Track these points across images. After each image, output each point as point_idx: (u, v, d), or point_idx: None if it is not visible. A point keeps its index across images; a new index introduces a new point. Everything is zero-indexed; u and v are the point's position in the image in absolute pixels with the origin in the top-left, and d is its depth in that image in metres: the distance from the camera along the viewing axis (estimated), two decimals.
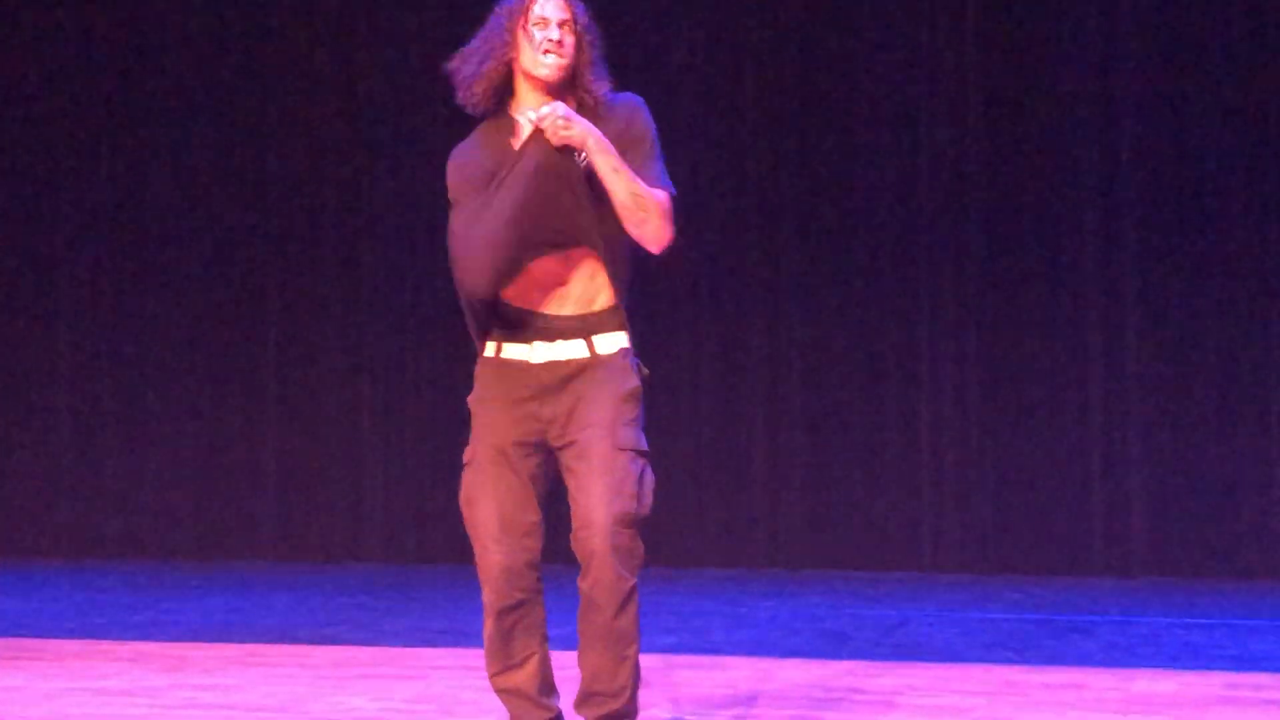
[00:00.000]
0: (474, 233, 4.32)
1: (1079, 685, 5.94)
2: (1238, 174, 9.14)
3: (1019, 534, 9.31)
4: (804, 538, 9.55)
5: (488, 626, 4.41)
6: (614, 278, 4.35)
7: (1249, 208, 9.14)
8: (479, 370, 4.48)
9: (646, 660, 6.23)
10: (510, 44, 4.38)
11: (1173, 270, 9.20)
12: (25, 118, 10.54)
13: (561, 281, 4.35)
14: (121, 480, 10.35)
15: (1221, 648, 6.86)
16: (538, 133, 4.18)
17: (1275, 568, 9.00)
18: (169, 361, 10.34)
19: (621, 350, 4.39)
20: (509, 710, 4.48)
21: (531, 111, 4.24)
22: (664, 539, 9.57)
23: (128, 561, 10.12)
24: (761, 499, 9.60)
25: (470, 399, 4.48)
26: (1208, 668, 6.36)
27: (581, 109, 4.37)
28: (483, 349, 4.45)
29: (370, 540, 10.06)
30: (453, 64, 4.45)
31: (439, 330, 9.71)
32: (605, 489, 4.27)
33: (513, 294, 4.38)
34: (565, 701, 4.38)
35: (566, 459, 4.37)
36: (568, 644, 4.46)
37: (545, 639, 4.48)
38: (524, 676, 4.44)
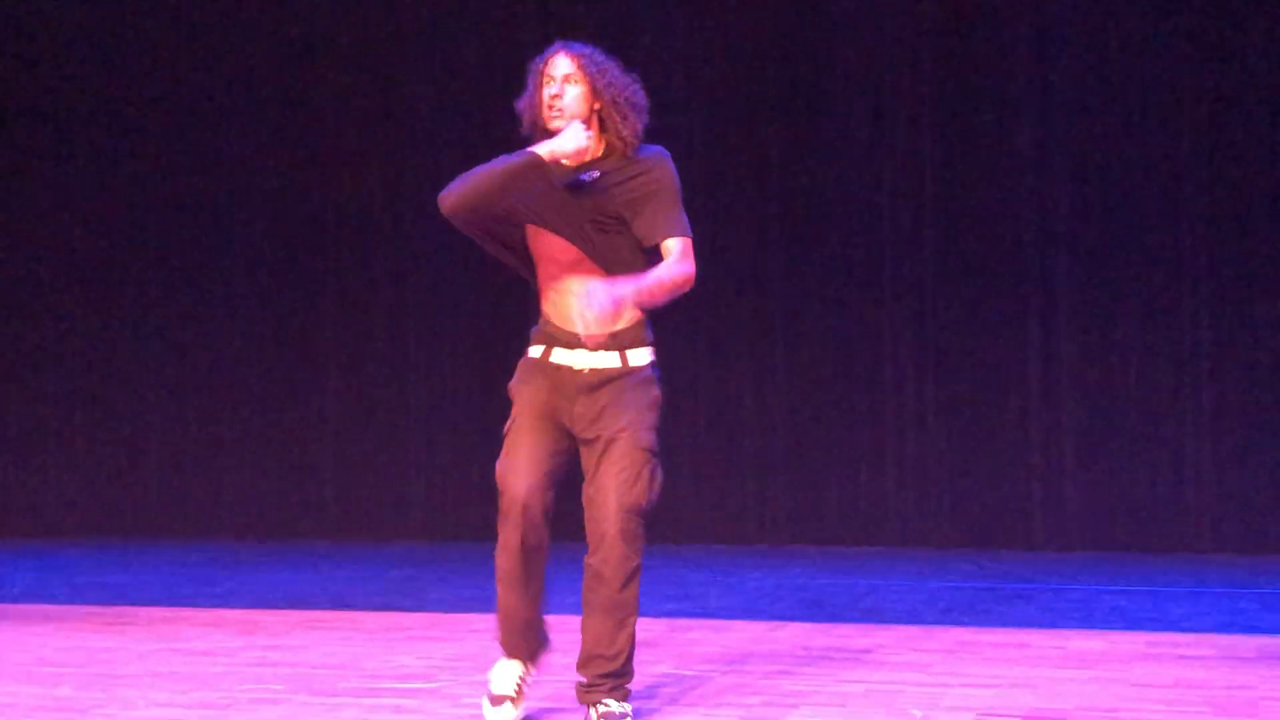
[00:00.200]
0: (477, 172, 4.30)
1: (1022, 644, 5.94)
2: (1154, 194, 9.12)
3: (970, 514, 9.31)
4: (787, 518, 9.56)
5: (502, 563, 4.40)
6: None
7: (1162, 224, 9.12)
8: (524, 364, 4.49)
9: (653, 624, 6.26)
10: (536, 103, 4.39)
11: (1100, 281, 9.19)
12: (111, 138, 10.53)
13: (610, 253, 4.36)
14: (204, 471, 10.37)
15: (1143, 611, 6.85)
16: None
17: (1189, 542, 9.00)
18: (245, 368, 10.35)
19: (650, 363, 4.42)
20: (510, 632, 4.51)
21: (583, 319, 4.17)
22: (667, 519, 9.58)
23: (208, 540, 10.14)
24: (751, 485, 9.60)
25: (511, 385, 4.48)
26: (1132, 628, 6.36)
27: (610, 152, 4.37)
28: (530, 350, 4.46)
29: (414, 521, 10.06)
30: (518, 112, 4.45)
31: (474, 341, 9.74)
32: (622, 482, 4.29)
33: (558, 318, 4.39)
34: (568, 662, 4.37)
35: (591, 451, 4.38)
36: (574, 610, 4.47)
37: (542, 596, 4.50)
38: (532, 609, 4.48)
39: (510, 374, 4.49)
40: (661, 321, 4.62)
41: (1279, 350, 8.98)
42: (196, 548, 9.77)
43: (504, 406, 4.46)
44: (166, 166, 10.47)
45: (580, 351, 4.37)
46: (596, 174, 4.31)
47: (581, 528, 4.45)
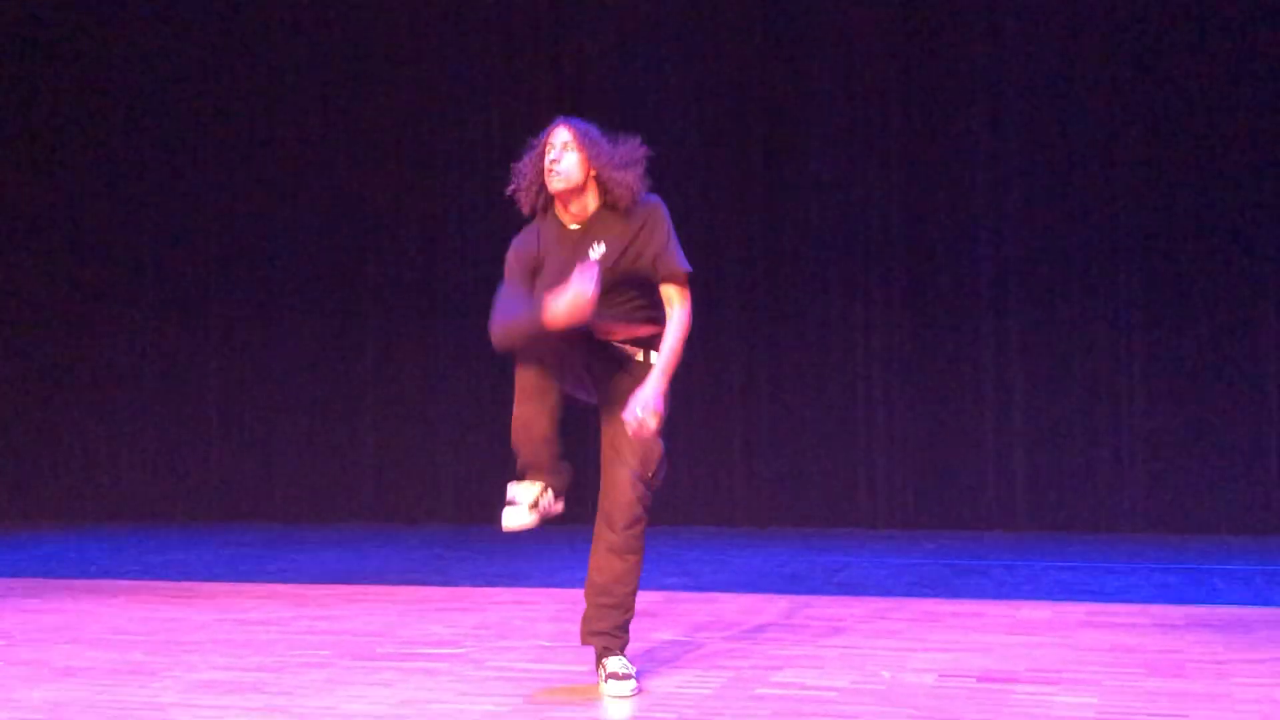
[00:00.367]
0: (513, 321, 4.36)
1: (978, 614, 5.94)
2: (1093, 212, 9.13)
3: (933, 499, 9.31)
4: (772, 502, 9.55)
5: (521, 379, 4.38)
6: (653, 321, 4.44)
7: (1101, 238, 9.11)
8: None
9: (653, 597, 6.27)
10: (539, 168, 4.47)
11: (1046, 288, 9.18)
12: (179, 169, 10.54)
13: (624, 328, 4.42)
14: (258, 462, 10.37)
15: (1085, 584, 6.86)
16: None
17: (1124, 523, 8.99)
18: (295, 372, 10.34)
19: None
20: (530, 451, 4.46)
21: (632, 419, 4.31)
22: (665, 503, 9.58)
23: (263, 523, 10.14)
24: (739, 474, 9.60)
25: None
26: (1075, 600, 6.36)
27: (607, 206, 4.43)
28: None
29: (443, 505, 10.06)
30: (514, 171, 4.51)
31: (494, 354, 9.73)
32: (638, 460, 4.38)
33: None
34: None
35: (616, 411, 4.43)
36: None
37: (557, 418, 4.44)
38: (549, 424, 4.42)
39: None
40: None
41: (1202, 356, 8.97)
42: (252, 529, 9.78)
43: None
44: (233, 192, 10.46)
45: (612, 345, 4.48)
46: (601, 249, 4.37)
47: (592, 511, 4.47)
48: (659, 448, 4.46)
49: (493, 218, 9.84)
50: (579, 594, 4.64)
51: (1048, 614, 5.90)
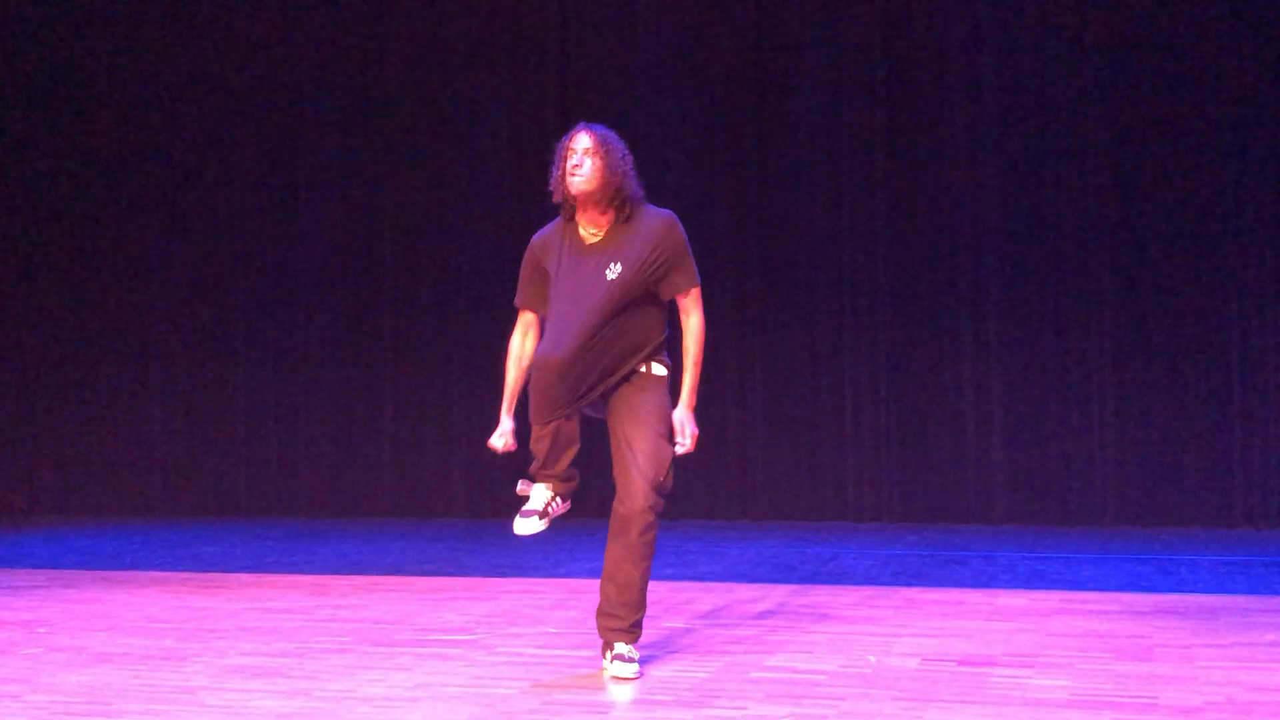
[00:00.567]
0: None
1: (958, 601, 5.94)
2: (1067, 221, 9.12)
3: (916, 494, 9.31)
4: (764, 497, 9.55)
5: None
6: (653, 335, 4.46)
7: (1074, 245, 9.11)
8: None
9: (655, 587, 6.24)
10: (563, 170, 4.47)
11: (1022, 294, 9.18)
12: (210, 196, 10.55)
13: (630, 338, 4.43)
14: (282, 460, 10.36)
15: (1059, 574, 6.86)
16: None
17: (1096, 516, 8.99)
18: (317, 374, 10.34)
19: (664, 376, 4.50)
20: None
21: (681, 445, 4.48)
22: (666, 499, 9.58)
23: (287, 517, 10.14)
24: (735, 471, 9.60)
25: None
26: (1049, 588, 6.36)
27: (621, 216, 4.45)
28: None
29: (458, 501, 10.06)
30: (550, 181, 4.53)
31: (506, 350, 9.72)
32: (649, 464, 4.37)
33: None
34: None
35: (622, 419, 4.42)
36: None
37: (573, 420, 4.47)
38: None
39: None
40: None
41: (1169, 359, 8.97)
42: (276, 524, 9.77)
43: None
44: (256, 194, 10.45)
45: None
46: (618, 269, 4.39)
47: (595, 506, 4.48)
48: (669, 453, 4.44)
49: (507, 218, 9.86)
50: (584, 584, 4.65)
51: (1024, 602, 5.90)
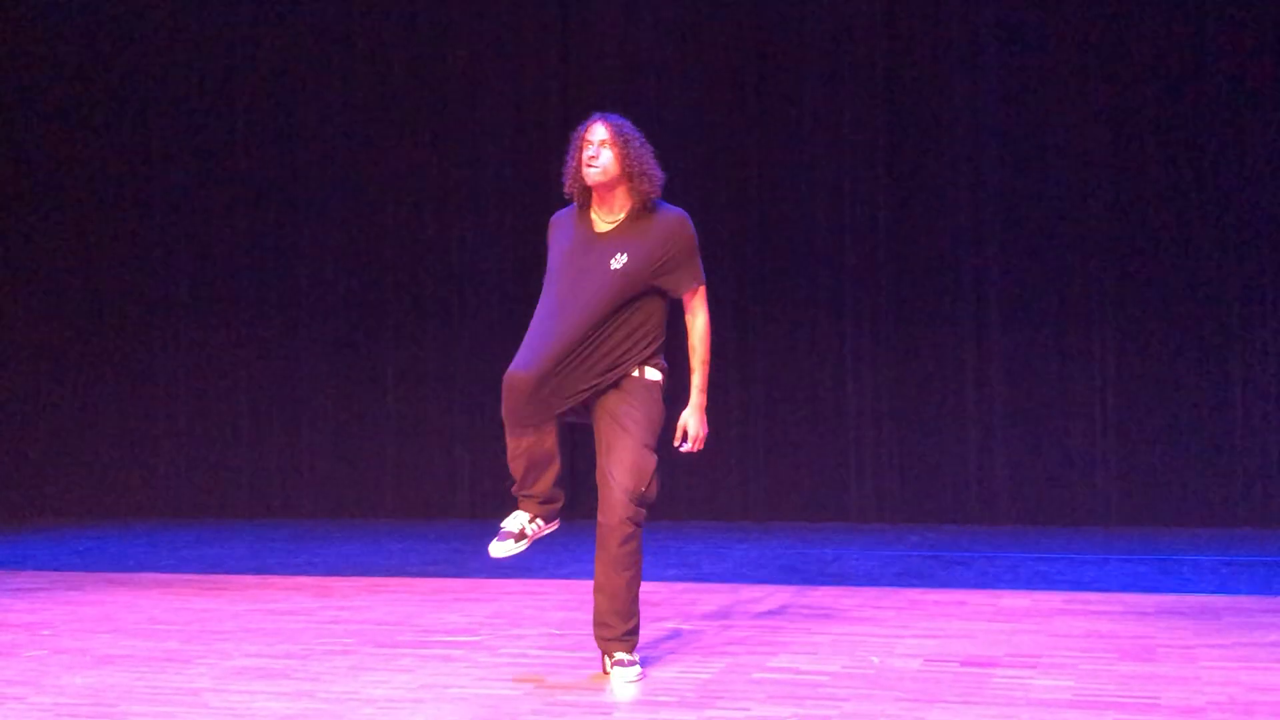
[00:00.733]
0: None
1: (960, 602, 5.94)
2: (1064, 227, 9.12)
3: (918, 495, 9.30)
4: (767, 498, 9.55)
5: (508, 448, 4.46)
6: (650, 338, 4.46)
7: (1072, 246, 9.09)
8: None
9: (657, 588, 6.27)
10: (579, 161, 4.47)
11: (1022, 296, 9.17)
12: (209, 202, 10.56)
13: (627, 337, 4.43)
14: (285, 460, 10.35)
15: (1062, 574, 6.86)
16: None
17: (1098, 517, 8.98)
18: (320, 376, 10.33)
19: (658, 381, 4.49)
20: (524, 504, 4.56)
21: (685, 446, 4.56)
22: (668, 500, 9.58)
23: (289, 519, 10.13)
24: (736, 472, 9.59)
25: None
26: (1051, 589, 6.36)
27: (635, 207, 4.45)
28: None
29: (460, 502, 10.06)
30: (564, 171, 4.54)
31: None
32: (627, 477, 4.35)
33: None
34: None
35: (605, 427, 4.41)
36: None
37: (547, 442, 4.45)
38: (536, 450, 4.48)
39: None
40: (673, 337, 4.67)
41: (1170, 359, 8.96)
42: (280, 525, 9.77)
43: None
44: (261, 195, 10.44)
45: None
46: (624, 260, 4.38)
47: (592, 507, 4.49)
48: (651, 463, 4.41)
49: (511, 221, 9.86)
50: (586, 585, 4.65)
51: (1026, 602, 5.90)
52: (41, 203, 10.71)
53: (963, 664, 4.60)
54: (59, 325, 10.67)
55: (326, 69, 10.35)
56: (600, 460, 4.41)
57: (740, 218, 9.63)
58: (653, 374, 4.47)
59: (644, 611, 5.48)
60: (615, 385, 4.43)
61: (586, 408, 4.46)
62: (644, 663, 4.57)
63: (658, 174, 4.49)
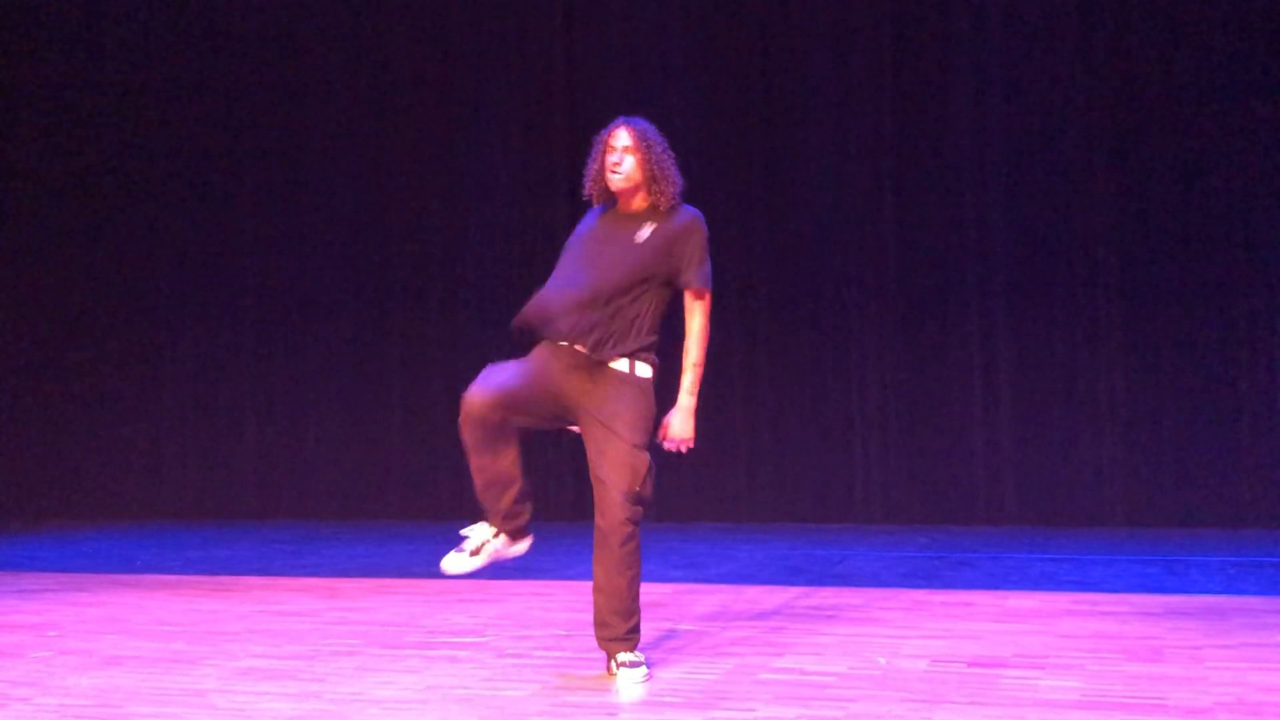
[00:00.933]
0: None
1: (967, 603, 5.93)
2: (1076, 216, 9.12)
3: (924, 496, 9.29)
4: (772, 500, 9.54)
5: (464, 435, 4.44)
6: (647, 333, 4.46)
7: (1079, 256, 9.10)
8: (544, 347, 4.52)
9: (663, 589, 6.27)
10: (602, 165, 4.48)
11: (1029, 299, 9.17)
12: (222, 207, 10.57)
13: (627, 320, 4.42)
14: (292, 463, 10.37)
15: (1069, 575, 6.85)
16: None
17: (1105, 517, 8.97)
18: (327, 379, 10.35)
19: (649, 378, 4.48)
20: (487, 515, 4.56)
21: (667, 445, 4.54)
22: (674, 502, 9.58)
23: (296, 521, 10.14)
24: (742, 474, 9.59)
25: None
26: (1059, 589, 6.35)
27: (653, 209, 4.46)
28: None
29: (467, 504, 10.04)
30: (586, 174, 4.55)
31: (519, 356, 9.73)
32: (620, 477, 4.34)
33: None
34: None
35: (593, 431, 4.40)
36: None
37: (508, 464, 4.45)
38: (495, 470, 4.49)
39: None
40: (672, 338, 4.66)
41: (1178, 359, 8.96)
42: (286, 527, 9.78)
43: None
44: (267, 197, 10.47)
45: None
46: (647, 233, 4.41)
47: (576, 508, 4.49)
48: (644, 462, 4.41)
49: (517, 223, 9.87)
50: (590, 586, 4.64)
51: (1034, 603, 5.89)
52: (49, 203, 10.73)
53: (970, 665, 4.60)
54: (65, 327, 10.69)
55: (334, 67, 10.36)
56: (593, 464, 4.40)
57: (746, 219, 9.63)
58: (643, 370, 4.46)
59: (650, 612, 5.48)
60: (605, 382, 4.40)
61: (571, 405, 4.44)
62: (650, 664, 4.56)
63: (678, 180, 4.50)
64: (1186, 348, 8.93)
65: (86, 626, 5.58)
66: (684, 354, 4.51)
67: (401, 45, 10.26)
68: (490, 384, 4.36)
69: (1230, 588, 6.34)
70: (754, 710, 4.04)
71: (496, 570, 7.25)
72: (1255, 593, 6.18)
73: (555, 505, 9.26)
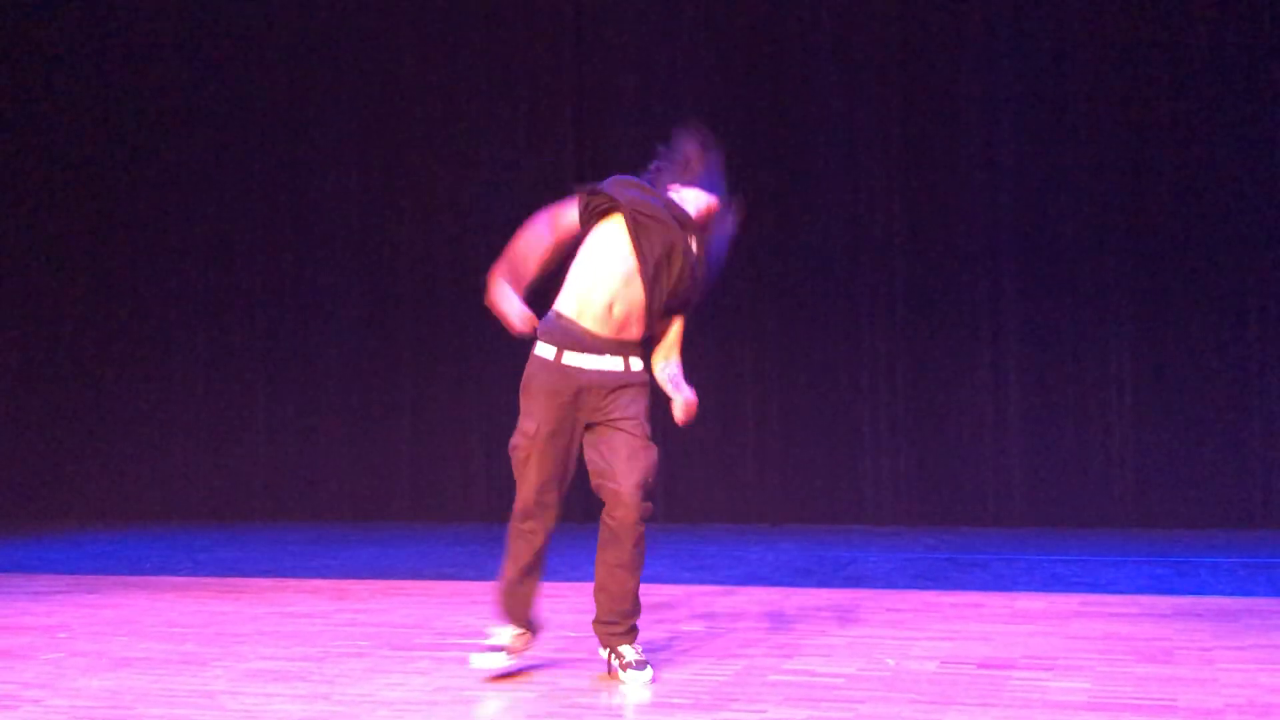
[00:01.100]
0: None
1: (977, 604, 5.93)
2: (1082, 229, 9.11)
3: (934, 498, 9.28)
4: (783, 501, 9.53)
5: (515, 548, 4.47)
6: (649, 324, 4.48)
7: (1089, 250, 9.08)
8: (535, 364, 4.51)
9: (673, 589, 6.27)
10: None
11: (1038, 300, 9.16)
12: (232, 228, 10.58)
13: (625, 318, 4.42)
14: (301, 465, 10.38)
15: (1078, 576, 6.84)
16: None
17: (1114, 518, 8.96)
18: (337, 381, 10.36)
19: (643, 371, 4.51)
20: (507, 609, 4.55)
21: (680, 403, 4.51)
22: (684, 503, 9.58)
23: (306, 522, 10.15)
24: (752, 474, 9.59)
25: (523, 386, 4.52)
26: (1068, 591, 6.34)
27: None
28: (541, 349, 4.49)
29: (476, 506, 10.06)
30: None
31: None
32: (632, 463, 4.35)
33: (579, 313, 4.43)
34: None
35: (600, 434, 4.41)
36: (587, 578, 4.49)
37: (541, 575, 4.55)
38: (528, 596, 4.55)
39: None
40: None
41: (1187, 359, 8.94)
42: (296, 528, 9.79)
43: None
44: (276, 199, 10.47)
45: (589, 355, 4.41)
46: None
47: (587, 512, 4.49)
48: (654, 455, 4.43)
49: (523, 224, 9.87)
50: (580, 588, 4.65)
51: (1043, 604, 5.88)
52: (60, 205, 10.75)
53: (979, 666, 4.59)
54: (76, 329, 10.71)
55: (343, 70, 10.37)
56: (600, 465, 4.39)
57: (756, 220, 9.60)
58: (639, 364, 4.52)
59: (660, 614, 5.49)
60: (609, 392, 4.42)
61: (579, 431, 4.47)
62: (659, 664, 4.56)
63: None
64: (1196, 349, 8.91)
65: (97, 628, 5.59)
66: (670, 347, 4.54)
67: (411, 46, 10.26)
68: (543, 492, 4.45)
69: (1240, 589, 6.33)
70: (764, 711, 4.04)
71: None
72: (1265, 594, 6.16)
73: (564, 506, 9.27)
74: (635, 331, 4.44)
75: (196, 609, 6.05)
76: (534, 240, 4.44)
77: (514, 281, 4.37)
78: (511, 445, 4.44)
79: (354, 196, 10.36)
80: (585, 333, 4.39)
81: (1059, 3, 9.15)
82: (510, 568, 4.49)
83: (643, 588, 4.55)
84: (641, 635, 4.63)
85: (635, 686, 4.37)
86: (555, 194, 9.71)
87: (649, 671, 4.42)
